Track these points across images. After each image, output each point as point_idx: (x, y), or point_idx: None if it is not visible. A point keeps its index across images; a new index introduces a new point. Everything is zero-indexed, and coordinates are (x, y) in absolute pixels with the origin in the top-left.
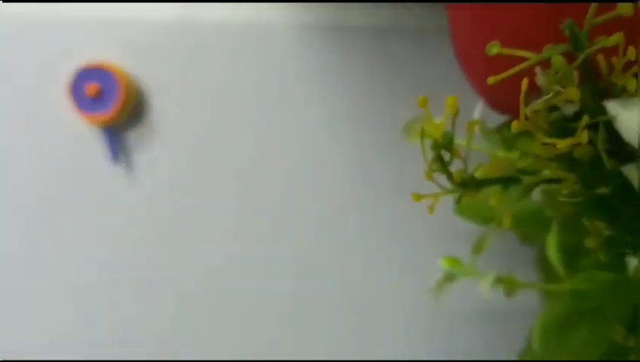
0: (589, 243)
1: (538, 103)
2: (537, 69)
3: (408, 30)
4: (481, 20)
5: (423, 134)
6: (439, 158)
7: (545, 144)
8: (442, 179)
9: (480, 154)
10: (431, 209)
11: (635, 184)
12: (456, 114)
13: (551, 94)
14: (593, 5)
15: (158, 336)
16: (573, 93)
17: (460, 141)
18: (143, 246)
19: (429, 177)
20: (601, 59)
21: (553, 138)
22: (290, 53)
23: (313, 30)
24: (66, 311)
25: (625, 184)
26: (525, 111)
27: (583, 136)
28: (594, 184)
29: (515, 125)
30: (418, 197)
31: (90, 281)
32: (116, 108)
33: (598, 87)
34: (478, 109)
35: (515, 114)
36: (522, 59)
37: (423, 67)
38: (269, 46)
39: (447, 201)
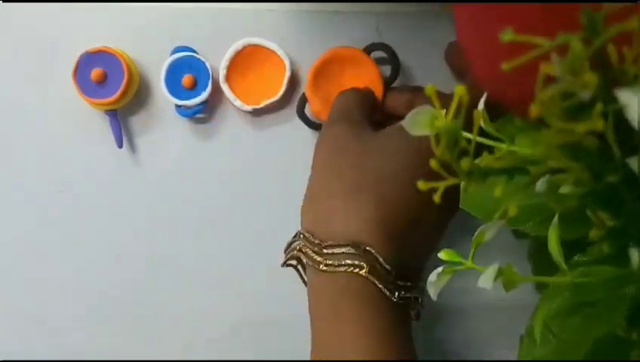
0: (593, 234)
1: (552, 90)
2: (553, 56)
3: (405, 15)
4: (487, 13)
5: (433, 123)
6: (447, 146)
7: (559, 130)
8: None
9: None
10: (437, 197)
11: None
12: (464, 103)
13: (565, 81)
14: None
15: (168, 312)
16: (590, 78)
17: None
18: (147, 228)
19: (436, 166)
20: (612, 48)
21: (568, 124)
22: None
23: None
24: (73, 291)
25: (630, 175)
26: (541, 96)
27: (598, 123)
28: (600, 173)
29: (533, 109)
30: (425, 185)
31: (93, 261)
32: (121, 92)
33: (610, 76)
34: (482, 102)
35: (517, 106)
36: (529, 51)
37: (419, 52)
38: (264, 29)
39: None
